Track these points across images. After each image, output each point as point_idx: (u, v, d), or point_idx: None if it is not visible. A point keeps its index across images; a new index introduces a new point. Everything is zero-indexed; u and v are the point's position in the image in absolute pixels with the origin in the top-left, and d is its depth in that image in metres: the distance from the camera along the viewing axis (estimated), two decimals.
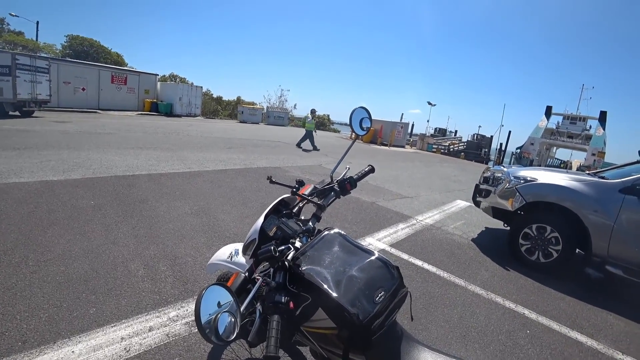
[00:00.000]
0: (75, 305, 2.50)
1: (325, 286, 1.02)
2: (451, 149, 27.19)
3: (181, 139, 11.90)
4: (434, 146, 25.92)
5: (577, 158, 34.76)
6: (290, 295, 1.05)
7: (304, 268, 1.08)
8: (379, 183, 8.33)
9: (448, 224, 5.79)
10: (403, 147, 23.80)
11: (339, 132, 33.14)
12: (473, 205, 5.73)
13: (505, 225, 5.16)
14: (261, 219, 1.33)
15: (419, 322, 2.88)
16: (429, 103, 35.17)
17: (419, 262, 4.06)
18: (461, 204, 7.46)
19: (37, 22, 31.90)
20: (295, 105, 36.69)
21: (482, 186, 5.31)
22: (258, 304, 1.09)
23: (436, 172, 12.66)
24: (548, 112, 35.80)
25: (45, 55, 23.04)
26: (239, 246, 1.58)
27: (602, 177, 4.49)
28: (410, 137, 28.39)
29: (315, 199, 1.51)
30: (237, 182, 6.49)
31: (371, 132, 22.49)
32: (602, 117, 32.56)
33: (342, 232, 1.27)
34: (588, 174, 4.99)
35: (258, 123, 27.33)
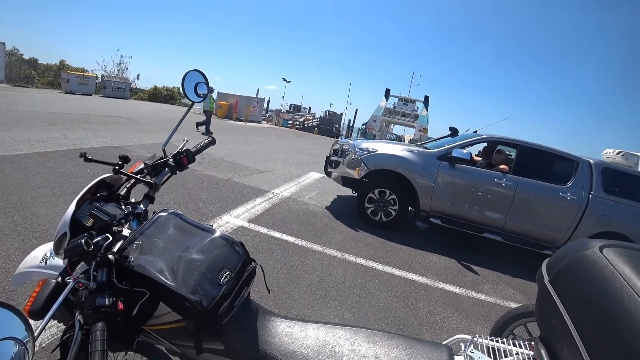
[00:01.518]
0: None
1: (161, 277, 0.89)
2: (305, 125, 28.56)
3: None
4: (289, 122, 26.78)
5: (409, 133, 41.53)
6: (120, 294, 0.88)
7: (132, 259, 0.92)
8: (235, 159, 8.13)
9: (304, 195, 6.09)
10: (259, 122, 23.88)
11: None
12: (325, 176, 6.15)
13: (354, 192, 5.72)
14: (72, 207, 1.08)
15: (282, 291, 2.96)
16: (284, 79, 35.76)
17: (277, 235, 4.15)
18: (315, 175, 7.95)
19: None
20: (138, 75, 31.95)
21: (332, 158, 5.73)
22: (78, 313, 0.88)
23: (291, 147, 13.13)
24: (387, 94, 41.65)
25: None
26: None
27: (425, 148, 5.38)
28: (266, 112, 28.64)
29: (147, 177, 1.30)
30: (63, 167, 5.36)
31: (226, 107, 21.75)
32: (426, 100, 39.85)
33: (178, 212, 1.13)
34: (416, 145, 5.91)
35: (91, 94, 22.97)
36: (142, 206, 1.22)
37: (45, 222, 3.51)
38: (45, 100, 15.27)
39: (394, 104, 42.94)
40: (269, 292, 1.28)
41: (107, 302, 0.83)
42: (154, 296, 0.90)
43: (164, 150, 1.41)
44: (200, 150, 1.50)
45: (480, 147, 6.03)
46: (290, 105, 45.40)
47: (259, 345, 0.99)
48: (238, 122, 20.40)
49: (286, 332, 1.04)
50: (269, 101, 29.83)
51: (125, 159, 1.21)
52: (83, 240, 0.86)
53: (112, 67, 30.27)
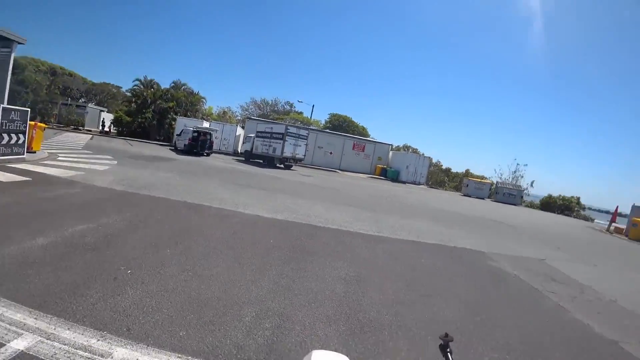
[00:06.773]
0: None
1: None
2: None
3: (393, 203, 12.05)
4: None
5: None
6: None
7: None
8: None
9: None
10: None
11: (592, 220, 25.85)
12: None
13: None
14: None
15: None
16: None
17: None
18: None
19: (313, 106, 44.47)
20: (532, 182, 31.12)
21: None
22: None
23: None
24: None
25: (313, 128, 29.98)
26: None
27: None
28: None
29: None
30: (428, 259, 5.64)
31: None
32: None
33: None
34: None
35: (484, 198, 24.94)
36: None
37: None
38: (445, 199, 17.91)
39: None
40: None
41: None
42: None
43: None
44: None
45: None
46: None
47: None
48: None
49: None
50: None
51: None
52: None
53: (507, 175, 31.61)
